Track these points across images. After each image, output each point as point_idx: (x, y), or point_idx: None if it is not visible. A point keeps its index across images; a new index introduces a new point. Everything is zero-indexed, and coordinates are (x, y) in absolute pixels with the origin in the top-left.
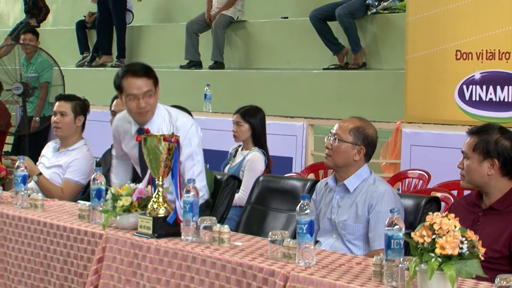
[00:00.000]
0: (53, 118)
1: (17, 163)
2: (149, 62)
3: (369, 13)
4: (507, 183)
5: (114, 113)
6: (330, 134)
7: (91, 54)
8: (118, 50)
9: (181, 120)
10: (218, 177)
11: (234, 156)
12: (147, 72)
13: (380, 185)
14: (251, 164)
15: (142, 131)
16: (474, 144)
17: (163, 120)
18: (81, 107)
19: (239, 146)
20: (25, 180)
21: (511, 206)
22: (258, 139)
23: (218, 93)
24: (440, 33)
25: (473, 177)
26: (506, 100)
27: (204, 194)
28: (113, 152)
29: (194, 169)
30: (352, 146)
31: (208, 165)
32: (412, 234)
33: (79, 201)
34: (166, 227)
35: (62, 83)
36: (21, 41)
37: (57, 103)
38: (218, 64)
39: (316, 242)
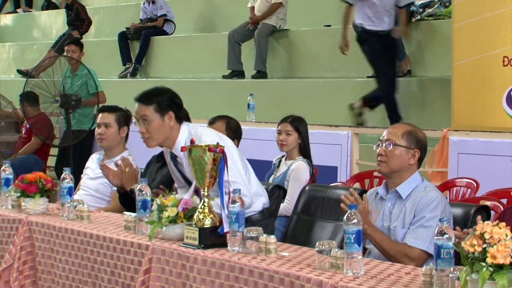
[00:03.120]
0: (97, 130)
1: (62, 175)
2: (191, 73)
3: (413, 20)
4: None
5: None
6: (380, 141)
7: (133, 65)
8: None
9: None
10: (263, 187)
11: (278, 166)
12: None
13: (430, 192)
14: (296, 174)
15: (172, 157)
16: None
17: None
18: (124, 118)
19: (282, 156)
20: (71, 191)
21: None
22: (304, 148)
23: (261, 102)
24: (486, 39)
25: None
26: None
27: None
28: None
29: None
30: (406, 150)
31: None
32: (463, 243)
33: (125, 212)
34: (213, 238)
35: None
36: (65, 52)
37: (100, 115)
38: (261, 74)
39: (365, 250)
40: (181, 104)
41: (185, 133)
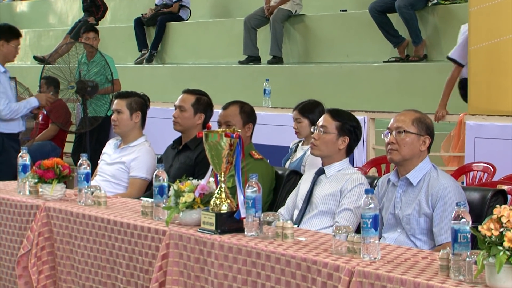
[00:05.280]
0: (112, 117)
1: (79, 161)
2: (207, 58)
3: (430, 4)
4: None
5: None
6: (388, 130)
7: (149, 51)
8: None
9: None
10: (279, 172)
11: (295, 151)
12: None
13: (442, 179)
14: (312, 159)
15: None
16: None
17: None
18: (137, 103)
19: (300, 141)
20: (88, 177)
21: None
22: None
23: (278, 88)
24: (503, 23)
25: None
26: None
27: None
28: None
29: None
30: (417, 137)
31: (268, 160)
32: (480, 228)
33: (142, 197)
34: (229, 223)
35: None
36: (84, 40)
37: (114, 101)
38: (277, 59)
39: (380, 237)
40: (359, 138)
41: (346, 163)
